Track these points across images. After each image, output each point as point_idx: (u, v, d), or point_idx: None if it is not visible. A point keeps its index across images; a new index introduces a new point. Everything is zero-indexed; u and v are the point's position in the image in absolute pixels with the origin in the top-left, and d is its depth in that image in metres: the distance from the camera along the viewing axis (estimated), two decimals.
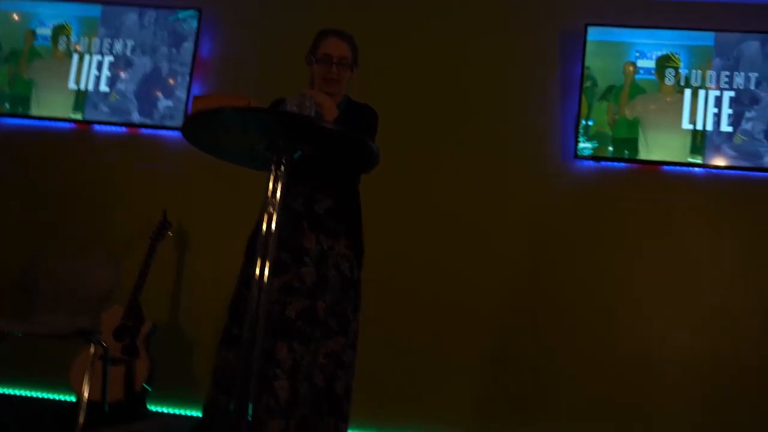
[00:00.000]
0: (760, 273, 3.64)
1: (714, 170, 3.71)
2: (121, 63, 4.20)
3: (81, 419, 2.64)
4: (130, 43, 4.21)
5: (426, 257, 3.81)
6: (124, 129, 4.15)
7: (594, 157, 3.77)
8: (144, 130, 4.14)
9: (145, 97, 4.13)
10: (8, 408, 3.56)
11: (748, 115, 3.71)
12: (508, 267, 3.78)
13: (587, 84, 3.82)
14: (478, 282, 3.77)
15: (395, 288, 3.74)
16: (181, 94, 4.09)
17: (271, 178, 1.92)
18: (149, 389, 3.46)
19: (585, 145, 3.78)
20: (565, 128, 3.87)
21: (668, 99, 3.77)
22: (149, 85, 4.15)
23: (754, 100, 3.72)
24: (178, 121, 4.04)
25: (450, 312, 3.76)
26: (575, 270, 3.74)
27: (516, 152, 3.88)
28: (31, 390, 3.86)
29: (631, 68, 3.82)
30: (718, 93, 3.75)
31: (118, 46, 4.22)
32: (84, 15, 4.26)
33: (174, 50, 4.17)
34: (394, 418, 3.65)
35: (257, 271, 1.86)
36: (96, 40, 4.23)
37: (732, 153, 3.68)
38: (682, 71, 3.78)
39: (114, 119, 4.13)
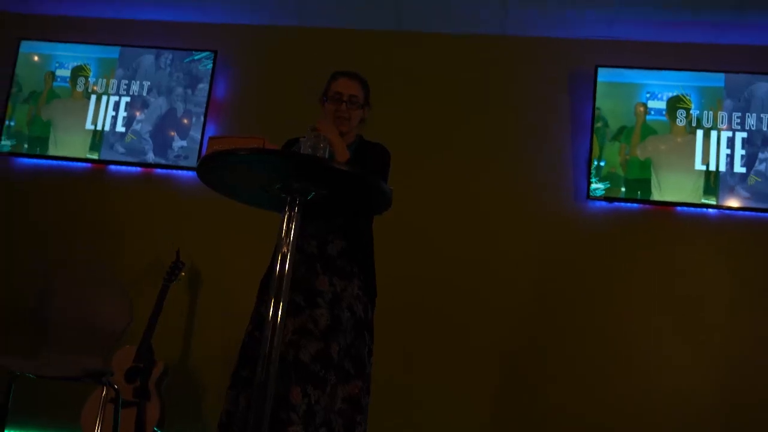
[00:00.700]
0: None
1: (728, 211, 3.69)
2: (137, 104, 4.27)
3: None
4: (146, 84, 4.29)
5: (436, 298, 3.79)
6: (139, 169, 4.20)
7: (606, 198, 3.77)
8: (158, 170, 4.18)
9: (160, 137, 4.19)
10: None
11: (761, 156, 3.70)
12: (519, 307, 3.75)
13: (598, 125, 3.83)
14: (488, 323, 3.74)
15: (402, 326, 3.71)
16: (196, 134, 4.14)
17: (285, 218, 1.93)
18: None
19: (597, 186, 3.78)
20: (577, 169, 3.88)
21: (680, 140, 3.78)
22: (164, 126, 4.21)
23: (767, 141, 3.72)
24: (193, 162, 4.09)
25: (458, 348, 3.72)
26: (587, 311, 3.71)
27: (528, 193, 3.88)
28: None
29: (642, 109, 3.84)
30: (730, 134, 3.75)
31: (134, 87, 4.30)
32: (102, 56, 4.35)
33: (189, 91, 4.23)
34: None
35: (270, 312, 1.85)
36: (113, 81, 4.31)
37: (746, 194, 3.67)
38: (694, 112, 3.80)
39: (129, 159, 4.18)
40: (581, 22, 3.90)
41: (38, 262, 4.06)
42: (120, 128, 4.23)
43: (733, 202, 3.67)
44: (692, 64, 3.87)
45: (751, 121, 3.75)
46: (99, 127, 4.25)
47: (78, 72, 4.35)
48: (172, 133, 4.19)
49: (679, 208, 3.75)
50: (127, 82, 4.31)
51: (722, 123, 3.76)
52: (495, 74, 4.08)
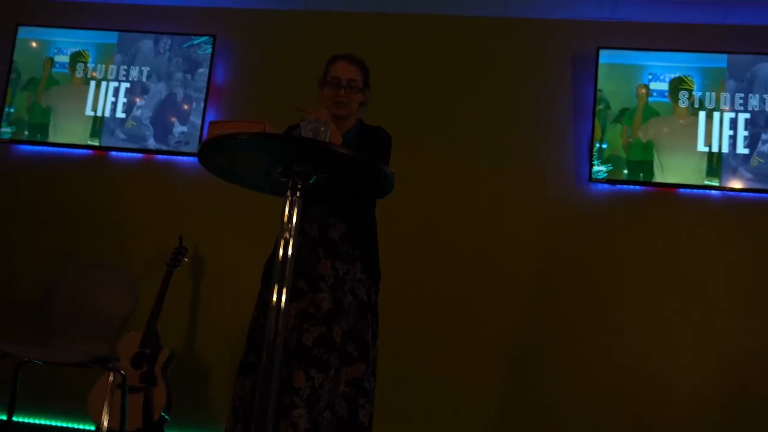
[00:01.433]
0: None
1: (731, 193, 3.68)
2: (137, 89, 4.25)
3: None
4: (145, 69, 4.27)
5: (437, 282, 3.80)
6: (139, 155, 4.19)
7: (609, 180, 3.76)
8: (159, 157, 4.17)
9: (160, 123, 4.18)
10: None
11: (764, 137, 3.69)
12: (522, 290, 3.76)
13: (600, 107, 3.82)
14: (490, 307, 3.74)
15: (405, 312, 3.72)
16: (196, 119, 4.13)
17: (287, 203, 1.92)
18: (167, 418, 3.44)
19: (599, 169, 3.77)
20: (579, 151, 3.87)
21: (682, 121, 3.77)
22: (164, 111, 4.20)
23: None
24: (193, 147, 4.08)
25: (461, 336, 3.73)
26: (591, 294, 3.71)
27: (530, 176, 3.87)
28: (50, 419, 3.85)
29: (644, 91, 3.82)
30: (732, 115, 3.73)
31: (134, 73, 4.28)
32: (101, 42, 4.33)
33: (189, 76, 4.21)
34: None
35: (274, 297, 1.85)
36: (112, 67, 4.29)
37: (749, 175, 3.66)
38: (696, 93, 3.78)
39: (130, 145, 4.17)
40: (583, 4, 3.88)
41: (42, 250, 4.07)
42: (120, 114, 4.22)
43: (736, 184, 3.66)
44: (694, 44, 3.84)
45: (754, 101, 3.74)
46: (99, 114, 4.23)
47: (77, 58, 4.33)
48: (173, 119, 4.18)
49: (681, 190, 3.74)
50: (126, 67, 4.29)
51: (725, 104, 3.74)
52: (496, 56, 4.06)
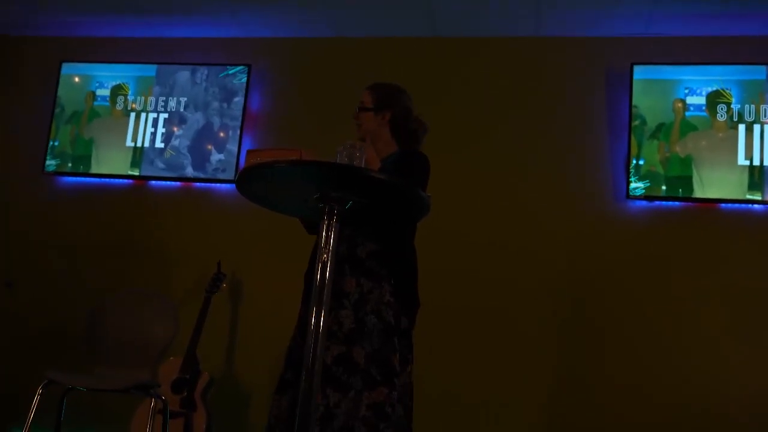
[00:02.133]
0: None
1: None
2: (175, 119, 4.35)
3: None
4: (183, 100, 4.37)
5: (477, 299, 3.77)
6: (178, 183, 4.28)
7: (647, 197, 3.70)
8: (197, 184, 4.25)
9: (198, 151, 4.26)
10: None
11: None
12: (563, 309, 3.71)
13: (636, 123, 3.78)
14: (530, 325, 3.70)
15: (443, 333, 3.69)
16: (233, 147, 4.20)
17: (324, 227, 1.94)
18: None
19: (637, 185, 3.72)
20: (616, 168, 3.83)
21: (721, 135, 3.70)
22: (202, 140, 4.28)
23: None
24: (230, 174, 4.15)
25: (502, 355, 3.69)
26: (631, 311, 3.65)
27: (567, 194, 3.84)
28: None
29: (680, 105, 3.77)
30: None
31: (172, 103, 4.38)
32: (140, 75, 4.45)
33: (225, 105, 4.30)
34: None
35: (311, 321, 1.86)
36: (151, 99, 4.41)
37: None
38: (734, 106, 3.71)
39: (169, 174, 4.26)
40: (616, 20, 3.86)
41: (86, 279, 4.16)
42: (159, 144, 4.32)
43: None
44: (731, 57, 3.79)
45: None
46: (139, 144, 4.34)
47: (117, 91, 4.46)
48: (210, 147, 4.26)
49: (722, 205, 3.66)
50: (164, 98, 4.40)
51: (765, 116, 3.67)
52: (530, 76, 4.05)
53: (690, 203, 3.69)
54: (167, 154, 4.30)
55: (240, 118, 4.24)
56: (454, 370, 3.69)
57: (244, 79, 4.29)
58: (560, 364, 3.65)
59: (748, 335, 3.51)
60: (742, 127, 3.68)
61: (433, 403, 3.35)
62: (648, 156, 3.74)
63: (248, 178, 1.96)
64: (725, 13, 3.68)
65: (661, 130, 3.76)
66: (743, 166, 3.64)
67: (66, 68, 4.52)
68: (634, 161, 3.74)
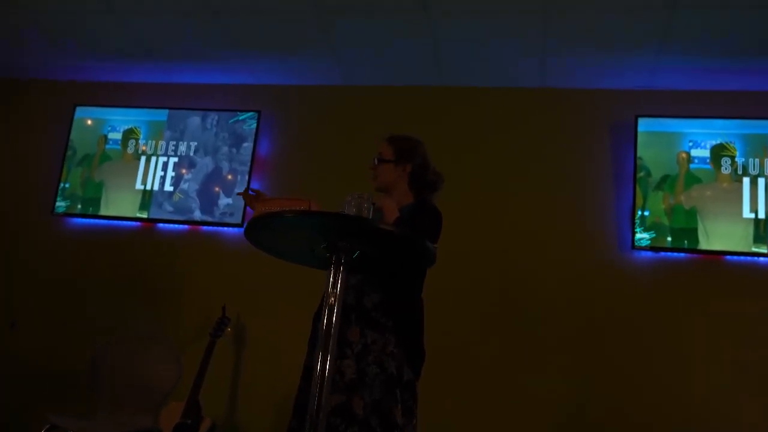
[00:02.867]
0: None
1: None
2: (184, 163, 4.41)
3: None
4: (193, 144, 4.44)
5: (482, 350, 3.75)
6: (186, 226, 4.31)
7: (652, 248, 3.71)
8: (205, 228, 4.28)
9: (206, 195, 4.31)
10: None
11: None
12: (567, 358, 3.68)
13: (641, 174, 3.81)
14: (535, 376, 3.67)
15: (450, 377, 3.66)
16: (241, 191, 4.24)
17: (331, 276, 1.95)
18: None
19: (642, 236, 3.73)
20: (621, 219, 3.84)
21: (726, 186, 3.72)
22: (211, 184, 4.33)
23: None
24: (238, 219, 4.18)
25: (506, 405, 3.65)
26: (637, 362, 3.61)
27: (572, 245, 3.85)
28: None
29: (685, 157, 3.80)
30: None
31: (182, 148, 4.45)
32: (152, 119, 4.53)
33: (234, 150, 4.36)
34: None
35: (316, 366, 1.86)
36: (162, 143, 4.47)
37: None
38: (739, 159, 3.75)
39: (177, 217, 4.30)
40: (620, 73, 3.92)
41: (91, 320, 4.16)
42: (168, 187, 4.37)
43: None
44: (735, 112, 3.83)
45: None
46: (148, 187, 4.39)
47: (129, 135, 4.53)
48: (218, 191, 4.30)
49: (728, 257, 3.67)
50: (175, 143, 4.46)
51: None
52: (535, 126, 4.10)
53: (696, 255, 3.69)
54: (176, 198, 4.35)
55: (249, 163, 4.30)
56: (461, 422, 3.64)
57: (254, 125, 4.36)
58: (565, 413, 3.61)
59: (756, 386, 3.47)
60: (746, 180, 3.71)
61: None
62: (653, 207, 3.76)
63: (256, 227, 1.99)
64: (729, 67, 3.74)
65: (666, 182, 3.79)
66: (748, 219, 3.65)
67: (79, 112, 4.60)
68: (640, 212, 3.75)
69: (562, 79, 4.06)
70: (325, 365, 1.86)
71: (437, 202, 2.56)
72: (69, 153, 4.53)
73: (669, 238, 3.71)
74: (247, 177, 4.27)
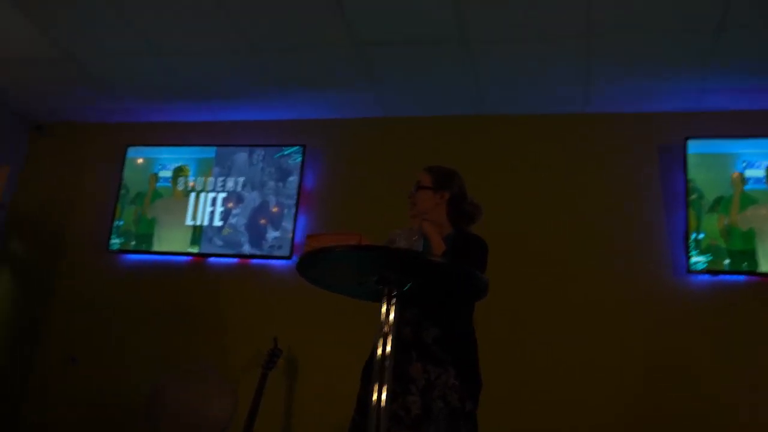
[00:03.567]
0: None
1: None
2: (233, 198, 4.49)
3: None
4: (241, 179, 4.52)
5: (534, 380, 3.68)
6: (236, 260, 4.38)
7: (709, 271, 3.61)
8: (254, 261, 4.34)
9: (254, 229, 4.38)
10: None
11: None
12: (624, 387, 3.59)
13: (693, 197, 3.72)
14: (591, 406, 3.58)
15: (505, 412, 3.60)
16: (288, 225, 4.30)
17: (383, 309, 1.96)
18: None
19: (698, 259, 3.63)
20: (675, 243, 3.76)
21: None
22: (258, 218, 4.40)
23: None
24: (286, 251, 4.23)
25: (559, 427, 3.57)
26: (696, 389, 3.50)
27: (625, 269, 3.77)
28: None
29: (738, 178, 3.71)
30: None
31: (230, 183, 4.54)
32: (200, 157, 4.64)
33: (280, 184, 4.43)
34: None
35: (372, 397, 1.86)
36: (211, 179, 4.57)
37: None
38: None
39: (227, 251, 4.37)
40: (668, 95, 3.87)
41: (147, 355, 4.23)
42: (218, 222, 4.46)
43: None
44: None
45: None
46: (198, 223, 4.48)
47: (179, 172, 4.65)
48: (265, 223, 4.37)
49: None
50: (223, 179, 4.56)
51: None
52: (580, 152, 4.07)
53: (755, 277, 3.58)
54: (225, 232, 4.43)
55: (295, 197, 4.36)
56: None
57: (299, 159, 4.43)
58: None
59: None
60: None
61: None
62: (708, 229, 3.67)
63: (308, 263, 2.01)
64: None
65: (720, 204, 3.70)
66: None
67: (131, 152, 4.75)
68: (694, 235, 3.66)
69: (607, 104, 4.03)
70: (381, 396, 1.86)
71: (482, 233, 2.55)
72: (122, 192, 4.67)
73: (726, 261, 3.60)
74: (293, 210, 4.33)
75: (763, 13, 3.13)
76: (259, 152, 4.54)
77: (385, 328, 1.93)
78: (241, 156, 4.57)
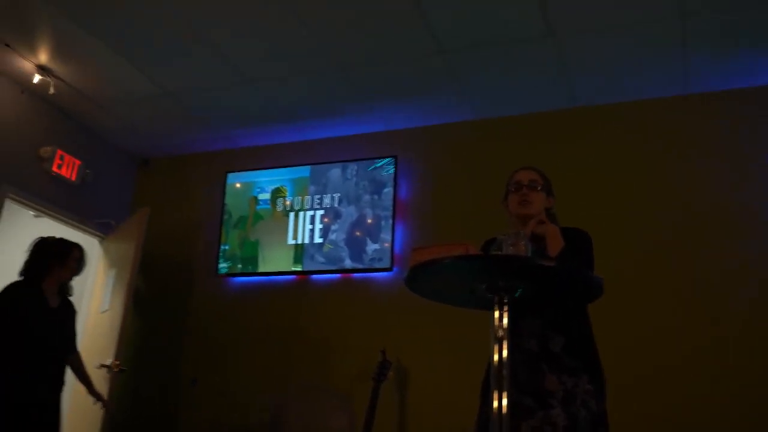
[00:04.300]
0: None
1: None
2: (330, 215, 4.58)
3: None
4: (336, 195, 4.61)
5: (654, 386, 3.53)
6: (338, 275, 4.45)
7: None
8: (356, 275, 4.40)
9: (354, 243, 4.44)
10: None
11: None
12: (750, 386, 3.38)
13: None
14: (716, 396, 3.40)
15: (635, 410, 3.47)
16: (387, 236, 4.34)
17: (495, 317, 1.94)
18: None
19: None
20: None
21: None
22: (357, 232, 4.46)
23: None
24: (386, 263, 4.27)
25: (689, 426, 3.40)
26: None
27: (750, 260, 3.56)
28: None
29: None
30: None
31: (326, 200, 4.63)
32: (296, 176, 4.77)
33: (376, 197, 4.48)
34: None
35: (495, 406, 1.84)
36: (308, 198, 4.68)
37: None
38: None
39: (329, 267, 4.46)
40: None
41: (260, 374, 4.37)
42: (318, 240, 4.55)
43: None
44: None
45: None
46: (300, 241, 4.60)
47: (276, 194, 4.79)
48: (364, 237, 4.42)
49: None
50: (319, 196, 4.66)
51: None
52: (686, 135, 3.89)
53: None
54: (326, 249, 4.51)
55: (391, 208, 4.39)
56: None
57: (392, 170, 4.47)
58: None
59: None
60: None
61: None
62: None
63: (416, 276, 2.01)
64: None
65: None
66: None
67: (231, 178, 4.94)
68: None
69: (710, 82, 3.82)
70: (502, 402, 1.83)
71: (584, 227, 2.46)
72: (225, 217, 4.86)
73: None
74: (390, 222, 4.36)
75: None
76: (353, 167, 4.61)
77: (500, 333, 1.90)
78: (335, 172, 4.66)
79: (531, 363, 2.24)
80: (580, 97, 4.09)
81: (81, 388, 3.71)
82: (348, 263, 4.42)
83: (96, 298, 4.72)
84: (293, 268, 4.56)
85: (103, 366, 4.05)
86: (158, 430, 4.54)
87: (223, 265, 4.75)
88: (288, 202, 4.74)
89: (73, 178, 4.70)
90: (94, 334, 4.49)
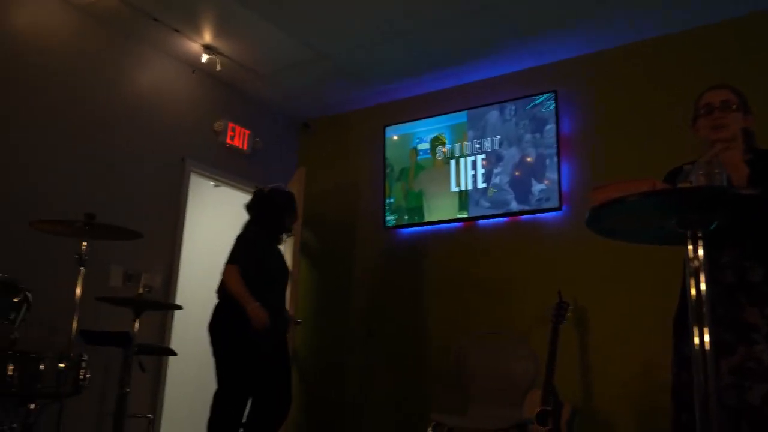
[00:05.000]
0: None
1: None
2: (492, 158, 4.52)
3: None
4: (496, 138, 4.52)
5: None
6: (505, 219, 4.41)
7: None
8: (523, 217, 4.33)
9: (519, 185, 4.36)
10: None
11: None
12: None
13: None
14: None
15: None
16: (553, 175, 4.21)
17: (689, 253, 1.82)
18: None
19: None
20: None
21: None
22: (521, 174, 4.37)
23: None
24: (554, 203, 4.16)
25: None
26: None
27: None
28: None
29: None
30: None
31: (486, 144, 4.56)
32: (453, 123, 4.73)
33: (537, 135, 4.34)
34: None
35: (695, 344, 1.74)
36: (467, 144, 4.64)
37: None
38: None
39: (495, 212, 4.42)
40: None
41: (437, 320, 4.49)
42: (481, 185, 4.52)
43: None
44: None
45: None
46: (463, 188, 4.59)
47: (436, 142, 4.79)
48: (530, 179, 4.32)
49: None
50: (479, 141, 4.60)
51: None
52: None
53: None
54: (490, 193, 4.47)
55: (555, 146, 4.24)
56: None
57: (552, 106, 4.30)
58: None
59: None
60: None
61: None
62: None
63: (598, 217, 1.93)
64: None
65: None
66: None
67: (389, 131, 5.01)
68: None
69: None
70: (703, 339, 1.73)
71: None
72: (388, 170, 4.95)
73: None
74: (555, 159, 4.22)
75: None
76: (511, 107, 4.49)
77: (697, 276, 1.78)
78: (493, 114, 4.57)
79: (728, 296, 2.09)
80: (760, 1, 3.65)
81: None
82: (514, 206, 4.35)
83: None
84: (459, 216, 4.57)
85: None
86: (336, 380, 4.82)
87: (390, 218, 4.87)
88: (447, 150, 4.73)
89: (245, 147, 5.01)
90: None
